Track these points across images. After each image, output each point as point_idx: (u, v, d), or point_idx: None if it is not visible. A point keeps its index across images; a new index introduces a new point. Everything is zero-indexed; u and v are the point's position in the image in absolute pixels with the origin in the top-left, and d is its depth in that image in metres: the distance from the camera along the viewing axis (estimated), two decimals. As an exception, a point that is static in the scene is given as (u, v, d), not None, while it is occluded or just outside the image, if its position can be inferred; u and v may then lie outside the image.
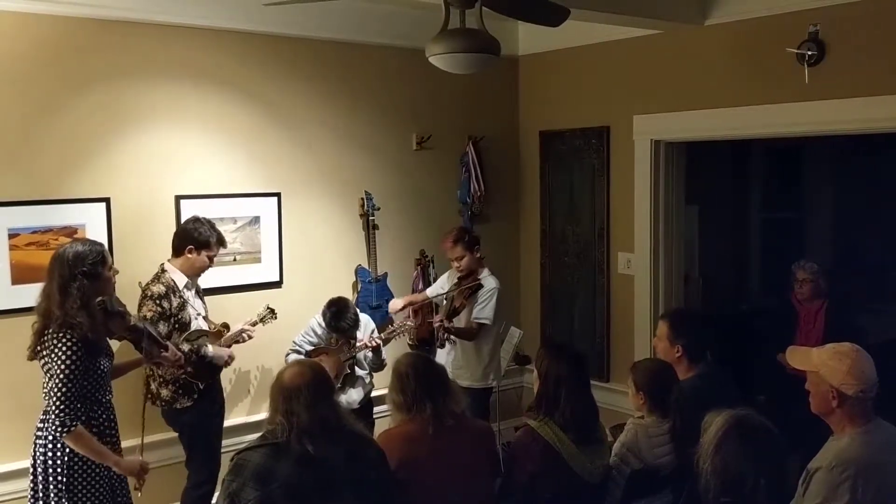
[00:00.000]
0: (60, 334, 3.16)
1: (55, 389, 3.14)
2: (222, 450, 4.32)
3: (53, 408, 3.15)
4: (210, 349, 4.08)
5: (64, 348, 3.15)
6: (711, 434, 2.43)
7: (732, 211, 6.94)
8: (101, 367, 3.31)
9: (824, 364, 2.72)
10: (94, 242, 3.44)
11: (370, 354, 4.61)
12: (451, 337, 4.80)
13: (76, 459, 3.25)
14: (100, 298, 3.31)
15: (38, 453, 3.28)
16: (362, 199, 5.15)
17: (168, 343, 3.75)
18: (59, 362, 3.14)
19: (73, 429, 3.16)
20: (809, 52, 4.20)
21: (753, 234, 7.09)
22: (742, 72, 4.57)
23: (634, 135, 5.14)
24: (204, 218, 4.18)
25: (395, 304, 5.06)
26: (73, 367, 3.15)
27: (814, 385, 2.75)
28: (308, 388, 2.69)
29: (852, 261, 6.46)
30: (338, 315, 4.45)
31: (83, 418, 3.23)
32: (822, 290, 4.97)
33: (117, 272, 3.46)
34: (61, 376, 3.14)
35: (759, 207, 7.08)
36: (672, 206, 5.17)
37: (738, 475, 2.35)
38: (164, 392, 4.05)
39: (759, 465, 2.35)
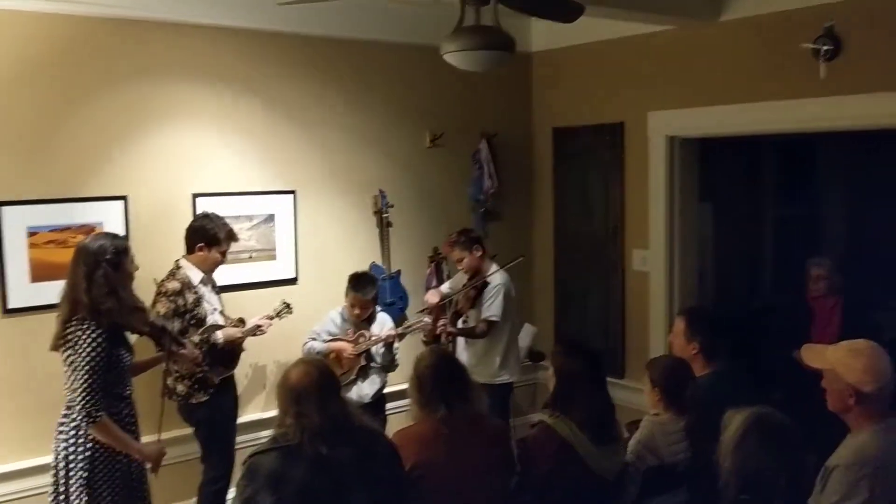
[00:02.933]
0: (85, 325, 3.19)
1: (80, 381, 3.17)
2: (237, 445, 4.35)
3: (79, 398, 3.17)
4: (219, 335, 4.09)
5: (88, 339, 3.17)
6: (732, 431, 2.42)
7: (746, 208, 6.90)
8: (124, 359, 3.34)
9: (840, 362, 2.70)
10: (116, 236, 3.48)
11: (383, 350, 4.62)
12: (457, 337, 4.79)
13: (98, 455, 3.28)
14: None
15: (59, 448, 3.30)
16: (376, 196, 5.16)
17: (185, 340, 3.78)
18: (83, 353, 3.16)
19: (98, 419, 3.19)
20: (825, 48, 4.16)
21: (768, 230, 7.04)
22: (757, 67, 4.55)
23: (649, 131, 5.13)
24: (213, 214, 4.20)
25: (432, 298, 4.90)
26: (97, 357, 3.17)
27: (830, 383, 2.74)
28: (317, 388, 2.67)
29: (867, 257, 6.42)
30: (366, 274, 4.67)
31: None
32: (837, 286, 4.95)
33: (137, 268, 3.49)
34: (86, 367, 3.16)
35: (773, 204, 7.04)
36: (687, 202, 5.16)
37: (758, 472, 2.35)
38: (180, 387, 4.07)
39: (778, 462, 2.35)
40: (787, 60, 4.37)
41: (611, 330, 5.49)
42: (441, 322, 4.75)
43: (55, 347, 3.29)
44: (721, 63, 4.73)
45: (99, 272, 3.24)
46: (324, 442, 2.58)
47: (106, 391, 3.24)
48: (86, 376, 3.17)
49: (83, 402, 3.17)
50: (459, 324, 4.85)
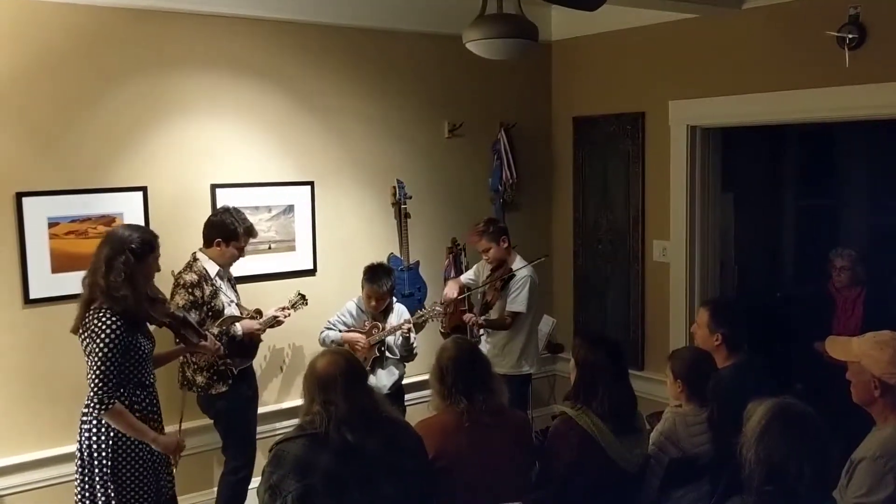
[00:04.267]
0: (102, 312, 3.21)
1: (94, 368, 3.19)
2: (257, 436, 4.36)
3: (92, 385, 3.19)
4: (238, 327, 4.09)
5: (104, 327, 3.18)
6: (755, 422, 2.39)
7: (768, 198, 6.85)
8: (143, 347, 3.35)
9: (865, 354, 2.68)
10: (148, 230, 3.50)
11: (400, 341, 4.62)
12: (484, 329, 4.80)
13: (121, 444, 3.30)
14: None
15: (83, 438, 3.32)
16: (394, 187, 5.15)
17: (207, 332, 3.79)
18: (98, 341, 3.17)
19: (111, 406, 3.20)
20: (850, 36, 4.12)
21: (789, 221, 7.00)
22: (781, 56, 4.50)
23: (670, 121, 5.09)
24: (234, 208, 4.18)
25: (451, 292, 4.91)
26: (112, 345, 3.18)
27: (855, 375, 2.72)
28: (343, 377, 2.68)
29: (890, 248, 6.35)
30: (381, 265, 4.64)
31: (126, 402, 3.28)
32: (860, 277, 4.91)
33: (159, 269, 3.50)
34: (100, 354, 3.17)
35: (795, 194, 6.99)
36: (708, 193, 5.11)
37: (782, 464, 2.32)
38: (200, 378, 4.08)
39: (803, 453, 2.32)
40: (811, 49, 4.32)
41: (630, 321, 5.47)
42: (469, 315, 4.72)
43: (75, 330, 3.31)
44: (743, 51, 4.68)
45: (120, 258, 3.25)
46: (350, 430, 2.59)
47: (122, 379, 3.25)
48: (99, 363, 3.18)
49: (95, 388, 3.19)
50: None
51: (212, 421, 4.25)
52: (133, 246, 3.29)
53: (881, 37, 4.06)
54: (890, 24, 4.03)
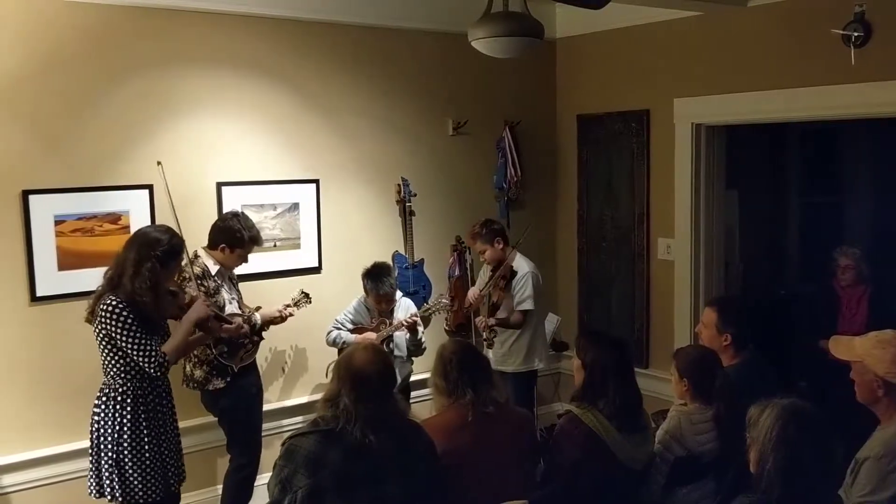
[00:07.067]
0: (109, 300, 3.26)
1: (130, 349, 3.26)
2: (262, 433, 4.37)
3: (142, 362, 3.28)
4: (257, 315, 4.14)
5: (114, 310, 3.25)
6: (767, 428, 2.35)
7: (773, 196, 6.84)
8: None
9: (868, 353, 2.68)
10: (176, 235, 3.53)
11: (408, 335, 4.62)
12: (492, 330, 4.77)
13: (124, 436, 3.33)
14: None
15: (93, 427, 3.38)
16: (399, 185, 5.15)
17: (226, 316, 3.85)
18: (114, 324, 3.24)
19: (168, 362, 3.34)
20: (855, 34, 4.11)
21: (794, 219, 6.99)
22: (786, 54, 4.49)
23: (675, 118, 5.09)
24: (242, 213, 4.18)
25: (475, 293, 4.89)
26: (129, 322, 3.25)
27: (858, 375, 2.72)
28: (380, 376, 2.69)
29: (895, 246, 6.35)
30: (378, 267, 4.59)
31: (130, 395, 3.34)
32: (864, 275, 4.91)
33: (182, 271, 3.53)
34: (126, 334, 3.25)
35: (799, 192, 6.98)
36: (713, 190, 5.11)
37: (799, 468, 2.30)
38: (198, 373, 4.06)
39: (817, 455, 2.31)
40: (816, 46, 4.31)
41: (635, 319, 5.47)
42: (480, 319, 4.71)
43: (88, 319, 3.37)
44: (748, 49, 4.67)
45: (147, 265, 3.32)
46: (371, 430, 2.58)
47: (128, 366, 3.33)
48: (131, 341, 3.26)
49: (146, 363, 3.28)
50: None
51: (216, 418, 4.25)
52: (159, 253, 3.35)
53: (887, 35, 4.06)
54: (895, 21, 4.02)
